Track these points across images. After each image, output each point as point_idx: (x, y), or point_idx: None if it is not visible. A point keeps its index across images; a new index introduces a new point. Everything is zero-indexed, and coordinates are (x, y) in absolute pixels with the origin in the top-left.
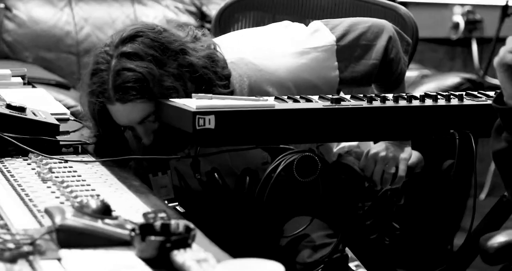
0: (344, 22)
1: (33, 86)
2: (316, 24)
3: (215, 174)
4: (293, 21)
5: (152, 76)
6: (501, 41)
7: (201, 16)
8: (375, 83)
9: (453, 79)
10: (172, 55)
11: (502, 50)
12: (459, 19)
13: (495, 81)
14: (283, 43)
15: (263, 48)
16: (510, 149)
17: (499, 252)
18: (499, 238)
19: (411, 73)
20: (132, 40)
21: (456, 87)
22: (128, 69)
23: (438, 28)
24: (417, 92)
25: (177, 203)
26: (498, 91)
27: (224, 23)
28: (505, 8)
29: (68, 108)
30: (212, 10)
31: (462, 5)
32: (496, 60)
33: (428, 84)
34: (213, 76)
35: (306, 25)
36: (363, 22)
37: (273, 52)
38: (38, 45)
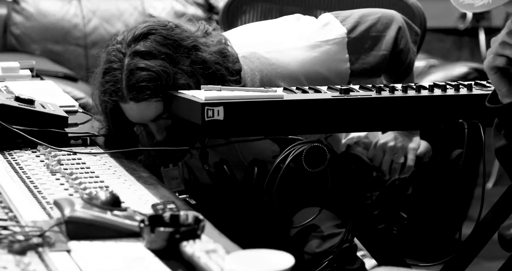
0: (354, 14)
1: (41, 79)
2: (326, 16)
3: (224, 165)
4: (300, 12)
5: (166, 75)
6: None
7: (209, 8)
8: (384, 74)
9: (460, 69)
10: (185, 52)
11: (489, 54)
12: None
13: None
14: (295, 36)
15: (275, 42)
16: (509, 146)
17: None
18: None
19: (418, 63)
20: (144, 38)
21: (464, 77)
22: (142, 69)
23: (446, 18)
24: (425, 82)
25: (187, 195)
26: (489, 87)
27: (232, 15)
28: None
29: (76, 100)
30: (220, 2)
31: None
32: (485, 64)
33: (435, 74)
34: (225, 71)
35: (314, 16)
36: (373, 13)
37: (284, 46)
38: (46, 37)
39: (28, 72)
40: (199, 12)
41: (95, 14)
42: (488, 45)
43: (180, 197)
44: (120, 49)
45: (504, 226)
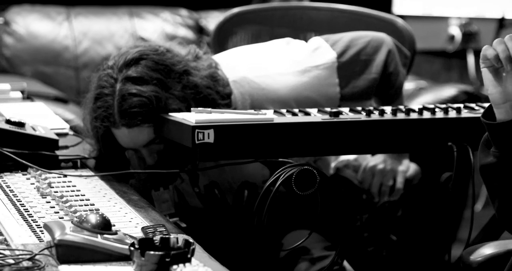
0: (344, 38)
1: (32, 101)
2: (316, 41)
3: (215, 188)
4: (291, 34)
5: (158, 100)
6: None
7: (199, 30)
8: (374, 96)
9: (449, 91)
10: (176, 77)
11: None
12: (455, 31)
13: None
14: (285, 61)
15: (265, 66)
16: (498, 164)
17: (483, 267)
18: (485, 250)
19: (408, 85)
20: (136, 63)
21: (453, 99)
22: (134, 94)
23: (435, 40)
24: (414, 104)
25: (178, 218)
26: (478, 110)
27: (223, 36)
28: (501, 20)
29: (67, 122)
30: (210, 24)
31: (459, 17)
32: (480, 57)
33: (425, 96)
34: (216, 96)
35: (305, 38)
36: (363, 37)
37: (275, 71)
38: (37, 59)
39: (19, 94)
40: (189, 34)
41: (86, 36)
42: (477, 67)
43: (170, 220)
44: (112, 74)
45: (467, 251)
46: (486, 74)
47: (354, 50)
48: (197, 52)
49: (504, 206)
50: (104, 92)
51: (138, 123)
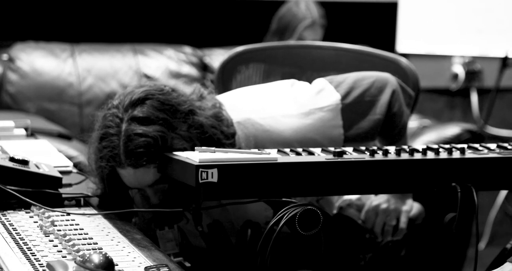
0: (348, 79)
1: (36, 138)
2: (320, 82)
3: (219, 226)
4: (295, 73)
5: (164, 141)
6: (501, 91)
7: (203, 67)
8: (378, 136)
9: (453, 129)
10: (182, 117)
11: None
12: (459, 69)
13: (495, 131)
14: (289, 103)
15: (270, 108)
16: None
17: None
18: None
19: (411, 124)
20: (141, 103)
21: (456, 138)
22: (140, 135)
23: (438, 78)
24: (418, 143)
25: (182, 258)
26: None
27: (227, 74)
28: (504, 59)
29: (70, 158)
30: (214, 61)
31: (462, 56)
32: None
33: (428, 135)
34: (221, 135)
35: (309, 77)
36: (367, 78)
37: (279, 113)
38: (40, 96)
39: (22, 131)
40: (193, 71)
41: (90, 73)
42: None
43: (174, 259)
44: (117, 114)
45: None
46: None
47: (358, 91)
48: (201, 92)
49: None
50: (110, 132)
51: (144, 163)
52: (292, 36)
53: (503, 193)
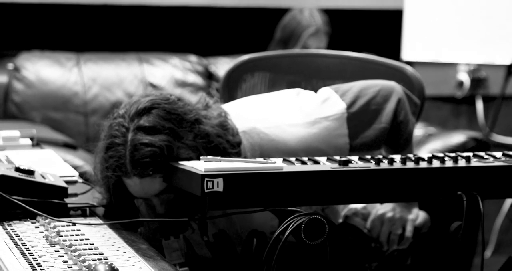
0: (354, 88)
1: (41, 147)
2: (326, 91)
3: (225, 236)
4: (300, 82)
5: (170, 150)
6: (506, 99)
7: (209, 76)
8: (384, 145)
9: (458, 137)
10: (188, 126)
11: None
12: (464, 77)
13: (500, 139)
14: (295, 112)
15: (275, 117)
16: None
17: None
18: None
19: (417, 132)
20: (147, 112)
21: (462, 146)
22: (146, 144)
23: (443, 86)
24: (423, 151)
25: (187, 268)
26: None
27: (233, 83)
28: (510, 67)
29: (76, 168)
30: (219, 70)
31: (468, 64)
32: None
33: (434, 143)
34: (227, 144)
35: (314, 85)
36: (373, 86)
37: (284, 122)
38: (46, 105)
39: (28, 141)
40: (198, 80)
41: (96, 82)
42: (486, 114)
43: (180, 269)
44: (123, 123)
45: None
46: None
47: (364, 100)
48: (207, 101)
49: None
50: (116, 141)
51: (150, 173)
52: (297, 44)
53: (508, 201)
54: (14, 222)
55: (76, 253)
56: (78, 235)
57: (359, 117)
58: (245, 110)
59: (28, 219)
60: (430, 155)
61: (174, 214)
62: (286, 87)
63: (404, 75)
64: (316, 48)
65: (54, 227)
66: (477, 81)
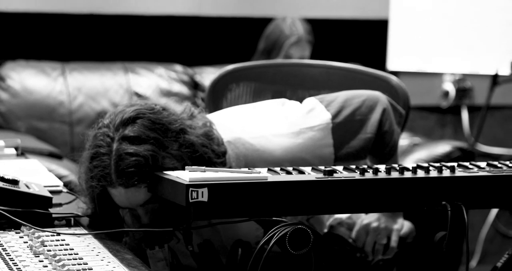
0: (339, 98)
1: (26, 157)
2: (311, 101)
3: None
4: (286, 91)
5: (155, 160)
6: (491, 109)
7: (194, 85)
8: (369, 155)
9: (444, 147)
10: (173, 136)
11: None
12: (449, 87)
13: (486, 149)
14: (280, 122)
15: (260, 127)
16: None
17: None
18: None
19: (402, 142)
20: (132, 122)
21: (447, 156)
22: (131, 154)
23: (429, 96)
24: (409, 161)
25: None
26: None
27: (218, 92)
28: (495, 77)
29: (61, 178)
30: (205, 79)
31: (453, 73)
32: None
33: (419, 153)
34: (212, 154)
35: (299, 95)
36: (358, 96)
37: (269, 132)
38: (31, 115)
39: (13, 151)
40: (184, 89)
41: (81, 91)
42: (471, 124)
43: None
44: (108, 133)
45: None
46: None
47: (349, 110)
48: (192, 110)
49: None
50: (101, 151)
51: (135, 183)
52: (279, 54)
53: (494, 211)
54: None
55: (61, 263)
56: (63, 245)
57: (344, 127)
58: (230, 120)
59: (12, 229)
60: (414, 165)
61: (159, 223)
62: (271, 97)
63: (389, 85)
64: (299, 57)
65: (39, 237)
66: (462, 91)
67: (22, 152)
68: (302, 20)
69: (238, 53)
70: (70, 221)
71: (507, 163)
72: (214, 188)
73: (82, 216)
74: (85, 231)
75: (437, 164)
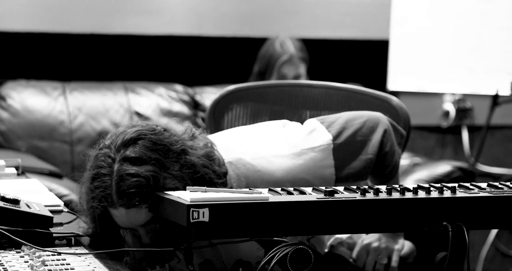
0: (340, 119)
1: (26, 177)
2: (312, 122)
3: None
4: (286, 112)
5: (156, 181)
6: (492, 129)
7: (194, 105)
8: (369, 175)
9: (444, 167)
10: (174, 157)
11: None
12: (449, 107)
13: (486, 169)
14: (281, 143)
15: (261, 148)
16: None
17: None
18: None
19: (402, 162)
20: (134, 143)
21: (447, 176)
22: (132, 175)
23: (429, 116)
24: (409, 181)
25: None
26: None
27: (219, 112)
28: (495, 97)
29: (61, 197)
30: (205, 99)
31: (453, 94)
32: None
33: (419, 173)
34: (213, 175)
35: (300, 115)
36: (359, 117)
37: (270, 153)
38: (31, 134)
39: (13, 170)
40: (184, 109)
41: (81, 111)
42: (471, 144)
43: None
44: (109, 154)
45: None
46: None
47: (350, 131)
48: (193, 131)
49: None
50: (102, 172)
51: (136, 203)
52: (272, 74)
53: (494, 230)
54: None
55: None
56: (64, 264)
57: (345, 148)
58: (231, 141)
59: (13, 249)
60: (415, 186)
61: (159, 243)
62: (272, 117)
63: (390, 106)
64: (294, 75)
65: (39, 256)
66: (463, 111)
67: (22, 171)
68: (293, 38)
69: (239, 73)
70: (71, 241)
71: (508, 183)
72: (215, 208)
73: (83, 235)
74: (86, 251)
75: (438, 185)
